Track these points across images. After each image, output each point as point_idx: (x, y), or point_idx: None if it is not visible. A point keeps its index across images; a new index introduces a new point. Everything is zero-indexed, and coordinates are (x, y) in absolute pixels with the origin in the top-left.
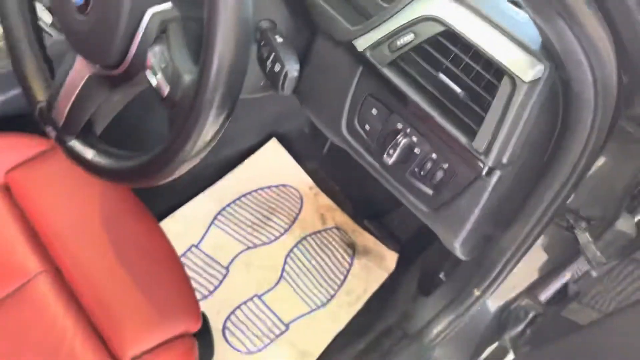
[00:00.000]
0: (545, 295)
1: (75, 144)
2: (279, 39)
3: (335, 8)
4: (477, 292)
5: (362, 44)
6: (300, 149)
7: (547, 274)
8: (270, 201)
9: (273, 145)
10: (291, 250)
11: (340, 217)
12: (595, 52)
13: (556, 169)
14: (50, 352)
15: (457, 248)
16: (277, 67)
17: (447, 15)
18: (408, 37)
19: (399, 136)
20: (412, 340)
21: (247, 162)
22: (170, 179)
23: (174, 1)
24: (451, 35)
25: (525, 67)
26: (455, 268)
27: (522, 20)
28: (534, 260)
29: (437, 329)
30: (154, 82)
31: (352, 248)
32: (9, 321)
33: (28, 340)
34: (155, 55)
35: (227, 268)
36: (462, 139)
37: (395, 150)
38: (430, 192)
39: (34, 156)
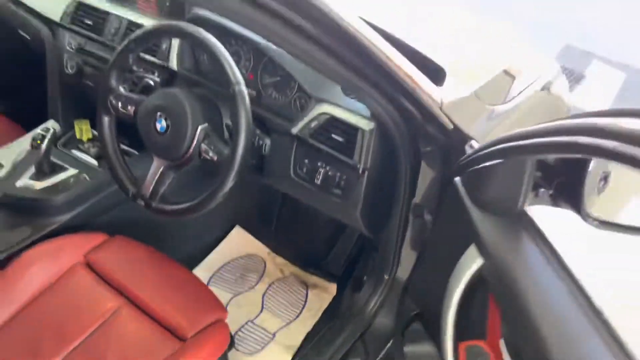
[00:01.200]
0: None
1: (158, 205)
2: (258, 131)
3: (278, 118)
4: (386, 277)
5: (295, 130)
6: (256, 230)
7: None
8: (243, 265)
9: (237, 230)
10: (265, 292)
11: (293, 268)
12: (391, 116)
13: (399, 172)
14: (146, 350)
15: (359, 219)
16: (261, 142)
17: (329, 110)
18: (315, 123)
19: (319, 169)
20: (356, 315)
21: (222, 243)
22: (212, 206)
23: (208, 122)
24: (334, 118)
25: (366, 125)
26: (372, 270)
27: (359, 105)
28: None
29: (371, 305)
30: (209, 157)
31: (306, 285)
32: (110, 341)
33: (130, 346)
34: (207, 145)
35: (225, 309)
36: (349, 160)
37: (319, 176)
38: (340, 192)
39: (99, 244)
